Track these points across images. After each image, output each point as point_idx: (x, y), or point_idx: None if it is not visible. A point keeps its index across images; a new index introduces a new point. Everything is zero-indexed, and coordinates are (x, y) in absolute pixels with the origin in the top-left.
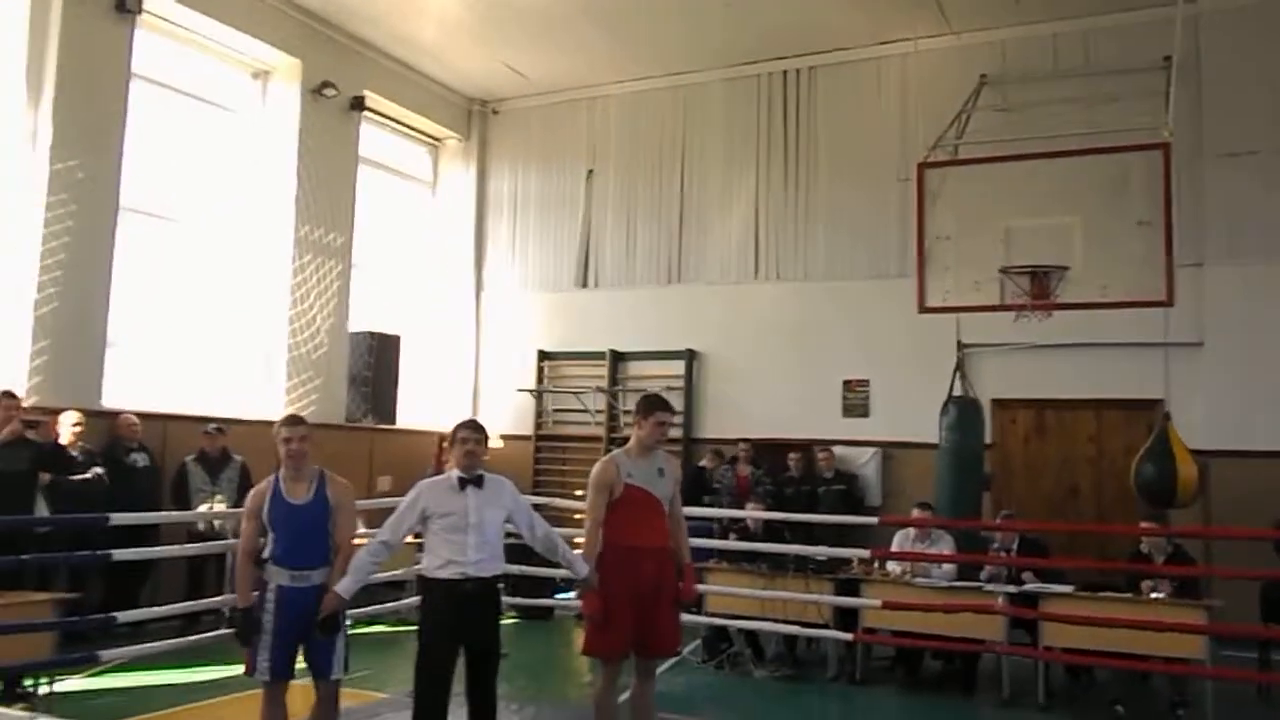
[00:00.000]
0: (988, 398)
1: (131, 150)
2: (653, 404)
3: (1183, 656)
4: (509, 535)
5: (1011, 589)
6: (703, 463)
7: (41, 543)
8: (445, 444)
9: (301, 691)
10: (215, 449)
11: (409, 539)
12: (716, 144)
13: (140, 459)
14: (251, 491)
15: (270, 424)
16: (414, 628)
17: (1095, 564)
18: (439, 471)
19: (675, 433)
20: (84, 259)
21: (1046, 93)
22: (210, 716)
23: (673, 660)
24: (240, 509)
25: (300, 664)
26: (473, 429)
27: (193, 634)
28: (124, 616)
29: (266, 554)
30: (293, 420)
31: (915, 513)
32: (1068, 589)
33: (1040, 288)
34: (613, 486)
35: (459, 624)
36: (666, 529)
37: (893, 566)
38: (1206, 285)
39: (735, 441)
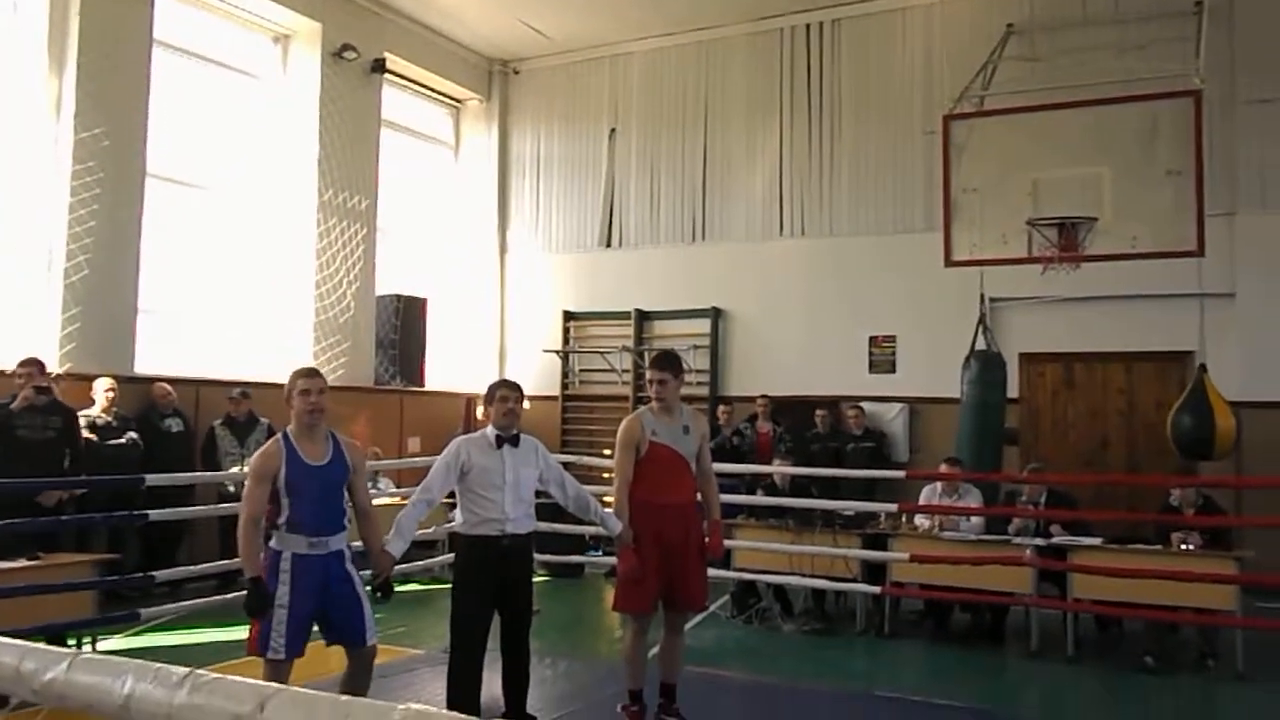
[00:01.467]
0: (1015, 351)
1: (155, 117)
2: (652, 362)
3: (1213, 608)
4: (539, 495)
5: (1040, 542)
6: (720, 421)
7: (80, 505)
8: (479, 404)
9: (322, 654)
10: (241, 413)
11: (443, 498)
12: (739, 100)
13: (174, 424)
14: (259, 453)
15: None
16: (447, 585)
17: (1124, 515)
18: (468, 431)
19: (702, 390)
20: (112, 226)
21: (1074, 41)
22: (249, 675)
23: (702, 615)
24: None
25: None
26: (511, 388)
27: (229, 593)
28: (162, 575)
29: (281, 520)
30: (311, 372)
31: (944, 468)
32: (1096, 541)
33: (1068, 240)
34: (639, 444)
35: (494, 581)
36: (693, 485)
37: (921, 520)
38: (1238, 235)
39: (767, 398)
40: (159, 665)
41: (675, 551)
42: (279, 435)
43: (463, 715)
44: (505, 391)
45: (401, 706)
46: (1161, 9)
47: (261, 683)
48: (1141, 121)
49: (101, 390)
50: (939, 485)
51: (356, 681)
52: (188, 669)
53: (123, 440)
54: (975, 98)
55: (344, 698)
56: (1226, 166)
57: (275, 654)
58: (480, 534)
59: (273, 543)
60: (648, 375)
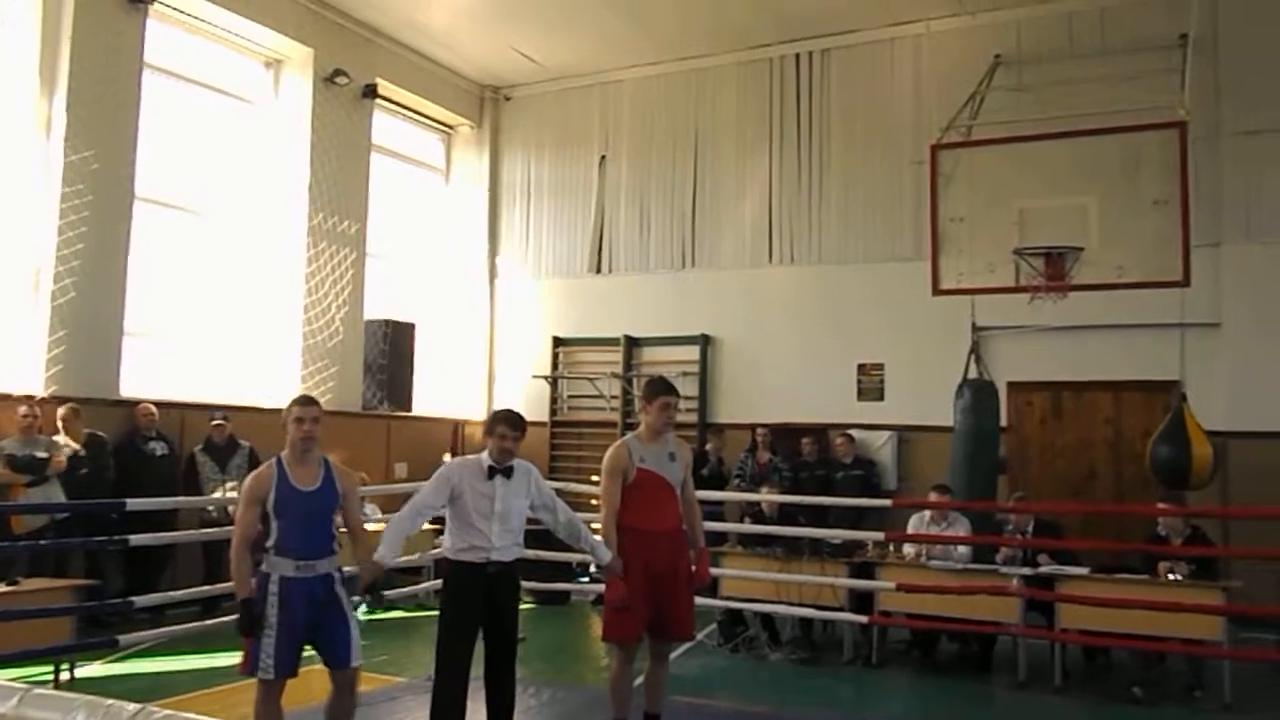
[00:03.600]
0: (1003, 380)
1: (146, 140)
2: (656, 388)
3: (1200, 638)
4: (528, 521)
5: (1027, 571)
6: (708, 446)
7: (62, 529)
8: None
9: (310, 677)
10: (222, 438)
11: (426, 525)
12: (729, 128)
13: (159, 447)
14: (251, 476)
15: None
16: (432, 612)
17: (1111, 545)
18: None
19: (690, 418)
20: (100, 249)
21: (1061, 73)
22: (233, 701)
23: (689, 644)
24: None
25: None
26: (510, 425)
27: (211, 619)
28: (142, 601)
29: (270, 543)
30: (307, 400)
31: (933, 496)
32: (1083, 571)
33: (1055, 269)
34: (626, 471)
35: (480, 607)
36: (679, 512)
37: (908, 549)
38: (1224, 265)
39: (750, 427)
40: (111, 701)
41: (663, 579)
42: (273, 460)
43: None
44: (504, 429)
45: None
46: (1147, 41)
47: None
48: (1127, 152)
49: (60, 417)
50: (927, 513)
51: (341, 703)
52: (139, 705)
53: (83, 470)
54: (963, 127)
55: None
56: (1212, 197)
57: (265, 673)
58: (466, 559)
59: (262, 565)
60: (662, 400)
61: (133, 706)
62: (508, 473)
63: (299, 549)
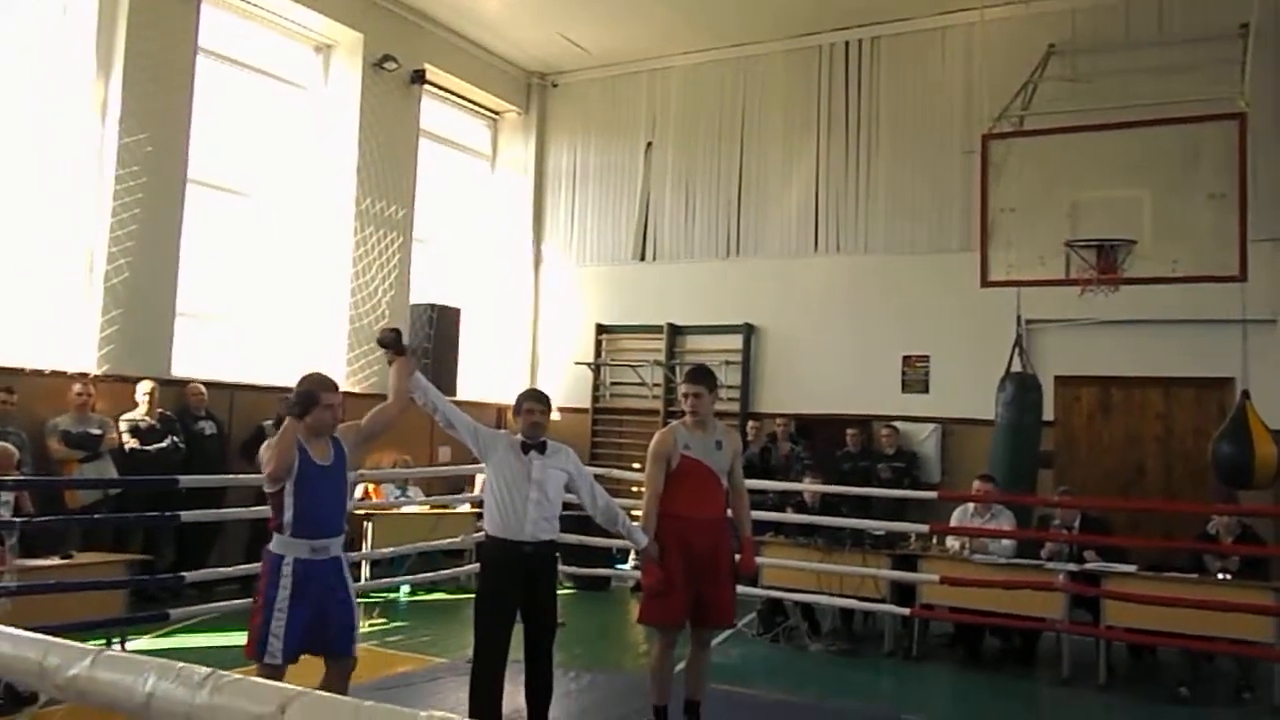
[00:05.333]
0: (1051, 375)
1: (198, 123)
2: (686, 376)
3: (1249, 639)
4: (567, 506)
5: (1073, 567)
6: (749, 437)
7: (116, 505)
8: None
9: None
10: None
11: (466, 508)
12: (776, 116)
13: (208, 426)
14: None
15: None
16: (473, 595)
17: (1159, 543)
18: None
19: (733, 406)
20: (153, 230)
21: (1117, 63)
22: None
23: (729, 632)
24: None
25: None
26: (536, 399)
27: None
28: (192, 576)
29: (286, 519)
30: (336, 386)
31: (976, 484)
32: (1130, 569)
33: (1107, 262)
34: (670, 457)
35: (518, 585)
36: (724, 501)
37: (951, 542)
38: None
39: (793, 417)
40: (182, 664)
41: (704, 566)
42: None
43: None
44: (530, 404)
45: (424, 713)
46: (1206, 31)
47: (284, 685)
48: (1183, 144)
49: (142, 393)
50: (970, 506)
51: (335, 691)
52: (210, 669)
53: (164, 443)
54: (1015, 117)
55: (367, 703)
56: (1272, 191)
57: (272, 659)
58: (503, 537)
59: (272, 545)
60: (681, 389)
61: (204, 670)
62: (542, 448)
63: (314, 529)
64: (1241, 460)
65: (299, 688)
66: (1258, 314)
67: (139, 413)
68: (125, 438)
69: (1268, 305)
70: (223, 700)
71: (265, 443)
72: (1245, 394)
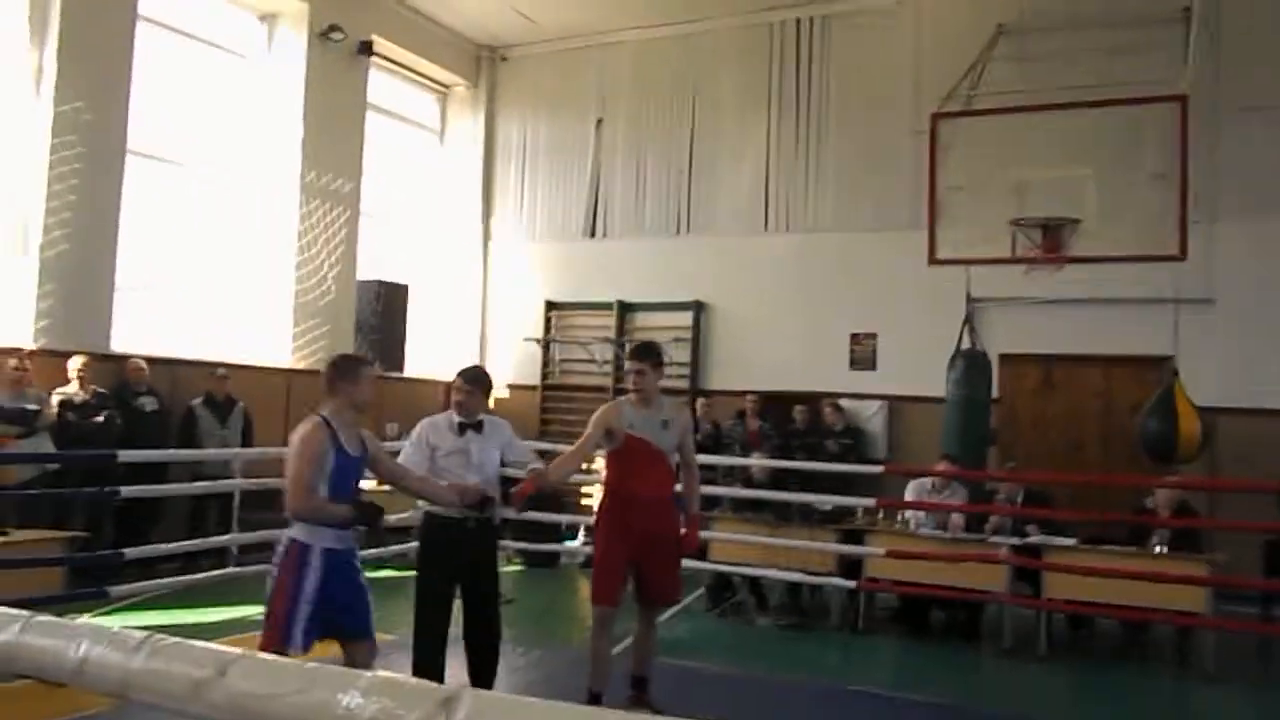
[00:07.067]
0: (996, 352)
1: (138, 93)
2: (631, 353)
3: (1184, 609)
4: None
5: (1015, 540)
6: (698, 414)
7: (54, 481)
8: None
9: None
10: (222, 392)
11: None
12: (727, 93)
13: (149, 402)
14: (304, 434)
15: (276, 370)
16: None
17: (1100, 516)
18: None
19: (682, 384)
20: (91, 202)
21: (1064, 43)
22: None
23: (676, 608)
24: (246, 449)
25: None
26: (466, 379)
27: (197, 573)
28: (131, 553)
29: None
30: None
31: (941, 465)
32: (1070, 541)
33: (1052, 241)
34: (611, 428)
35: (458, 558)
36: (669, 479)
37: (909, 516)
38: (1220, 241)
39: (742, 393)
40: (116, 629)
41: (647, 544)
42: (319, 419)
43: (428, 681)
44: (459, 383)
45: (369, 674)
46: (1150, 14)
47: (222, 648)
48: (1127, 125)
49: (74, 368)
50: (929, 481)
51: None
52: (146, 633)
53: (100, 418)
54: (963, 97)
55: (309, 664)
56: (1210, 173)
57: (295, 649)
58: (443, 514)
59: (297, 534)
60: (626, 366)
61: (139, 634)
62: (478, 427)
63: None
64: (1166, 435)
65: (238, 650)
66: (1193, 294)
67: (71, 388)
68: (58, 412)
69: (1203, 285)
70: (160, 664)
71: (303, 434)
72: (1174, 371)
